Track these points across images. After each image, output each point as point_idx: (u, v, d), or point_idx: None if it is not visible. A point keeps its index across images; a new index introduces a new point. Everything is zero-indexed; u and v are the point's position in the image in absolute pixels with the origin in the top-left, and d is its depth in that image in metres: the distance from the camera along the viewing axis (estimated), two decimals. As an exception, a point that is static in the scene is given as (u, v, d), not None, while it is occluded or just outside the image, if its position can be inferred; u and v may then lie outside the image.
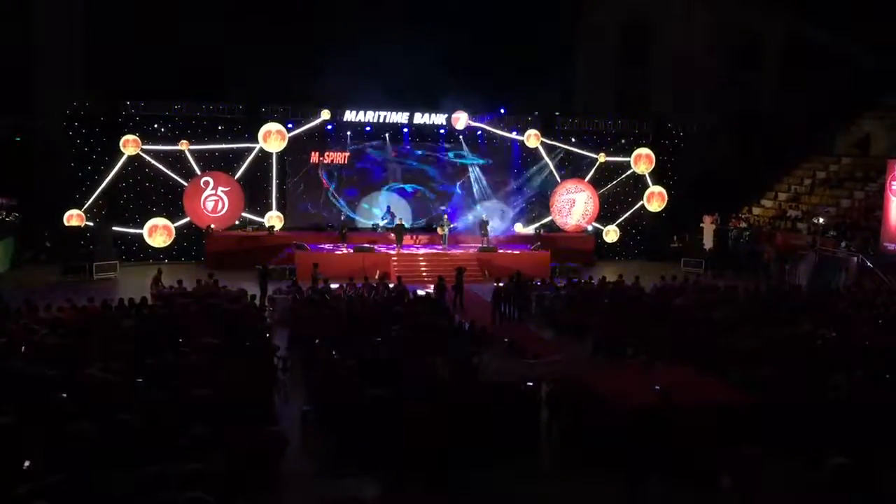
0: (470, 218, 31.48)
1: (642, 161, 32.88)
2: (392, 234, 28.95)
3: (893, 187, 27.51)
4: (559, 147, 32.70)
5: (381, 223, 30.95)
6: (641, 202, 33.59)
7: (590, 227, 32.48)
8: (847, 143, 37.70)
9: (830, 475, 10.00)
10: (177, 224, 29.10)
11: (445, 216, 30.08)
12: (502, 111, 32.44)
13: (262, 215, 30.40)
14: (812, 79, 36.55)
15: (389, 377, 12.63)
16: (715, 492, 10.59)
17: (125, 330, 15.30)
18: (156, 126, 29.34)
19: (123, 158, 28.61)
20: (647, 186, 33.43)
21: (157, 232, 28.67)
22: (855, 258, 26.82)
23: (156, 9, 30.80)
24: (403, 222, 30.04)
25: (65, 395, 10.94)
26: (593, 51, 38.29)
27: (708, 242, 31.03)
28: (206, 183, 28.81)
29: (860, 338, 16.29)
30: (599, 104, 35.63)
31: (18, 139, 32.41)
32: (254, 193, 30.43)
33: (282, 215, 30.58)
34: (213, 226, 28.74)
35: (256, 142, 29.62)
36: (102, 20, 31.01)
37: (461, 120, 31.23)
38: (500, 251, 28.88)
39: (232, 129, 30.16)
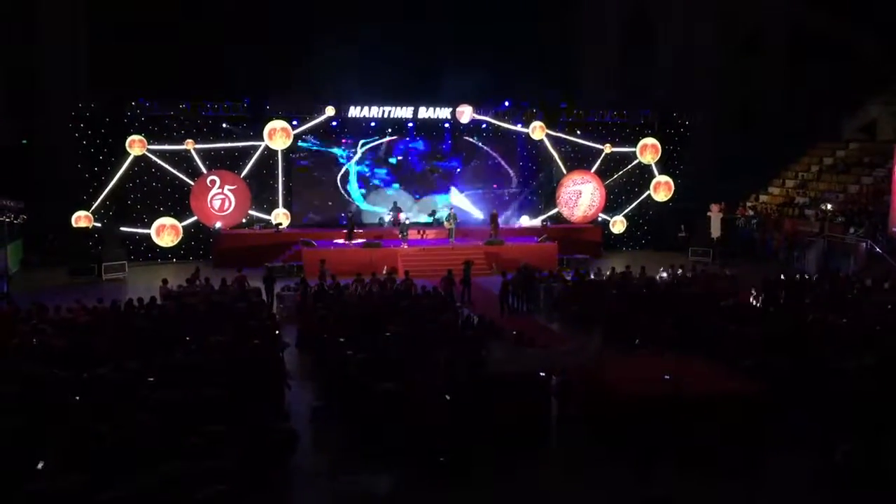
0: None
1: (648, 151, 32.80)
2: (397, 230, 28.94)
3: (901, 172, 27.36)
4: (565, 139, 32.67)
5: (387, 219, 31.00)
6: (648, 192, 33.53)
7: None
8: (854, 128, 37.51)
9: (840, 462, 10.00)
10: (184, 223, 29.16)
11: (452, 210, 30.07)
12: (506, 104, 32.37)
13: (269, 213, 30.44)
14: (818, 64, 36.34)
15: (399, 372, 12.64)
16: (724, 480, 10.60)
17: (136, 330, 15.35)
18: (161, 126, 29.38)
19: (130, 159, 28.66)
20: (653, 176, 33.36)
21: (165, 231, 28.73)
22: (864, 244, 26.72)
23: (157, 8, 30.84)
24: (406, 219, 29.90)
25: (77, 396, 10.99)
26: (596, 41, 38.12)
27: (715, 231, 30.95)
28: (213, 182, 28.84)
29: (870, 323, 16.23)
30: (603, 95, 35.50)
31: (25, 142, 32.50)
32: (260, 191, 30.49)
33: (288, 212, 30.61)
34: (219, 224, 28.78)
35: (262, 139, 29.66)
36: (105, 22, 31.03)
37: (466, 114, 31.18)
38: (508, 244, 28.83)
39: (237, 128, 30.19)
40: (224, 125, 29.85)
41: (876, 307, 18.29)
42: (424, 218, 31.58)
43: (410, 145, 32.48)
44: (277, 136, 29.55)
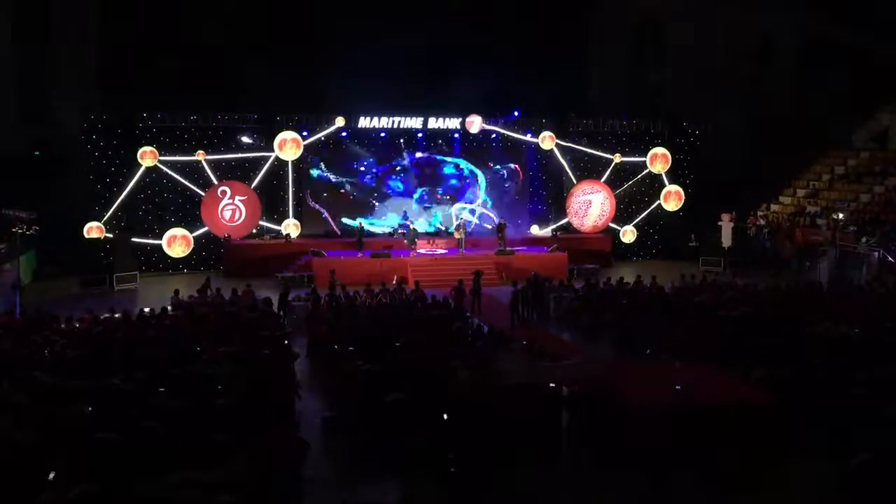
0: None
1: (658, 161, 32.75)
2: (405, 239, 29.04)
3: (913, 181, 27.24)
4: (574, 148, 32.65)
5: (398, 228, 31.06)
6: (658, 202, 33.45)
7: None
8: (865, 136, 37.36)
9: (855, 473, 9.90)
10: (195, 234, 29.26)
11: (463, 220, 30.12)
12: (516, 114, 32.40)
13: (279, 223, 30.51)
14: (827, 73, 36.25)
15: (409, 382, 12.63)
16: (736, 490, 10.52)
17: (147, 340, 15.39)
18: (172, 137, 29.52)
19: (141, 170, 28.81)
20: (663, 186, 33.30)
21: (176, 242, 28.81)
22: (876, 253, 26.57)
23: (168, 19, 31.03)
24: (416, 227, 30.11)
25: (88, 405, 11.00)
26: (606, 51, 38.18)
27: (726, 241, 30.83)
28: (224, 192, 28.95)
29: (883, 334, 16.12)
30: (613, 104, 35.50)
31: (38, 153, 32.71)
32: (270, 201, 30.57)
33: (298, 223, 30.68)
34: (228, 234, 28.86)
35: (272, 150, 29.76)
36: (116, 32, 31.23)
37: (475, 123, 31.23)
38: (518, 254, 28.81)
39: (252, 136, 30.31)
40: (245, 138, 30.02)
41: (889, 316, 18.16)
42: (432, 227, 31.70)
43: (420, 154, 32.51)
44: (287, 146, 29.64)
